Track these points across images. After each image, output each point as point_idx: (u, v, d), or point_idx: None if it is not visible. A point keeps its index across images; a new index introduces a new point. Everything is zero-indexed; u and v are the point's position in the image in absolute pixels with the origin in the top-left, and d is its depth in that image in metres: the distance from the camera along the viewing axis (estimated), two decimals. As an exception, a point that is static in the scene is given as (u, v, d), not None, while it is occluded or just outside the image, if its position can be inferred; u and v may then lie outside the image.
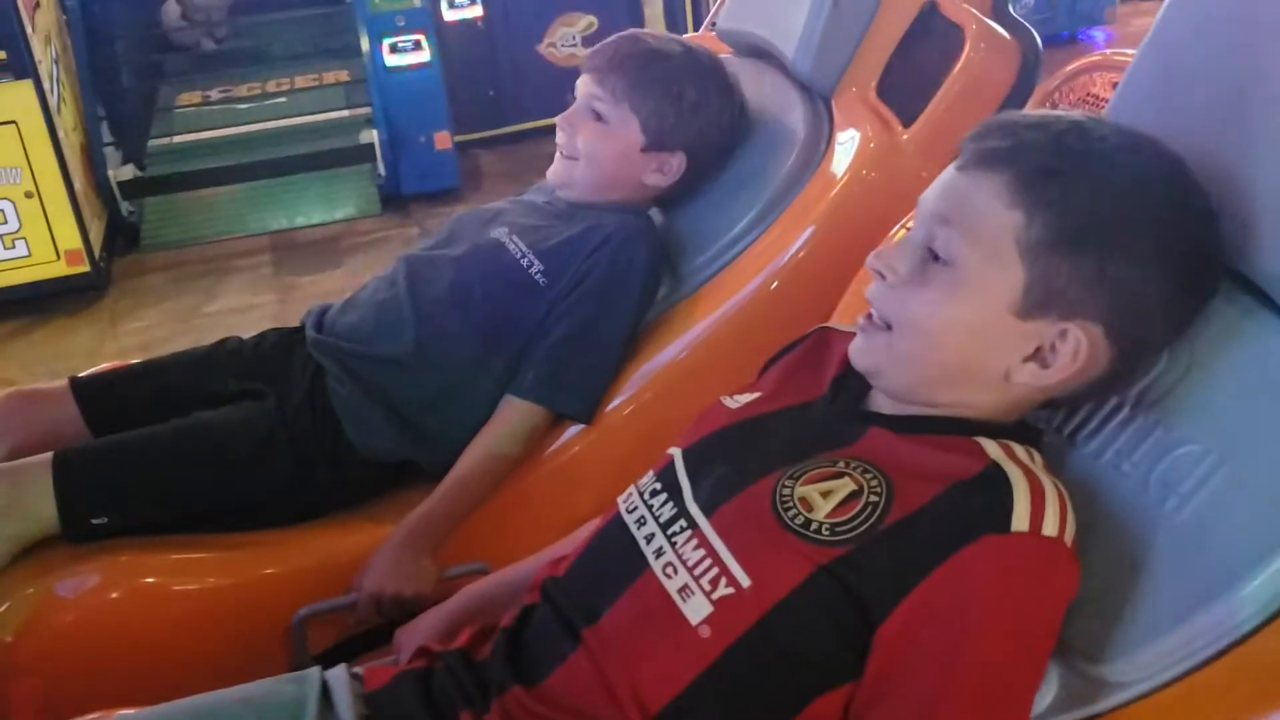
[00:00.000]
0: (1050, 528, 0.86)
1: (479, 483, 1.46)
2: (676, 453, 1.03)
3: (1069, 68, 1.53)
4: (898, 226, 1.28)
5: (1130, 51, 1.09)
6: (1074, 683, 0.90)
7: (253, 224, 4.13)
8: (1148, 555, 0.90)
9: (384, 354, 1.52)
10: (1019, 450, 0.92)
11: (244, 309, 3.52)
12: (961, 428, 0.94)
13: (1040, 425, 1.00)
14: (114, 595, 1.39)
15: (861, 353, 0.97)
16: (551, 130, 1.67)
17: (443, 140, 4.10)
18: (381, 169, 4.07)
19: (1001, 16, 1.58)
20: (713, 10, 2.03)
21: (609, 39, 1.67)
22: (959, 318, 0.92)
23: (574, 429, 1.52)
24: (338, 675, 1.02)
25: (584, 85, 1.64)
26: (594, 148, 1.62)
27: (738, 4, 1.85)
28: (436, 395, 1.51)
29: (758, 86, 1.73)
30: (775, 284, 1.56)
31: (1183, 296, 0.91)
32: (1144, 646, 0.88)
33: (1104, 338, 0.90)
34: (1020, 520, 0.85)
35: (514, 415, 1.49)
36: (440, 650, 1.03)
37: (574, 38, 4.63)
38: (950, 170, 0.95)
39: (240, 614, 1.43)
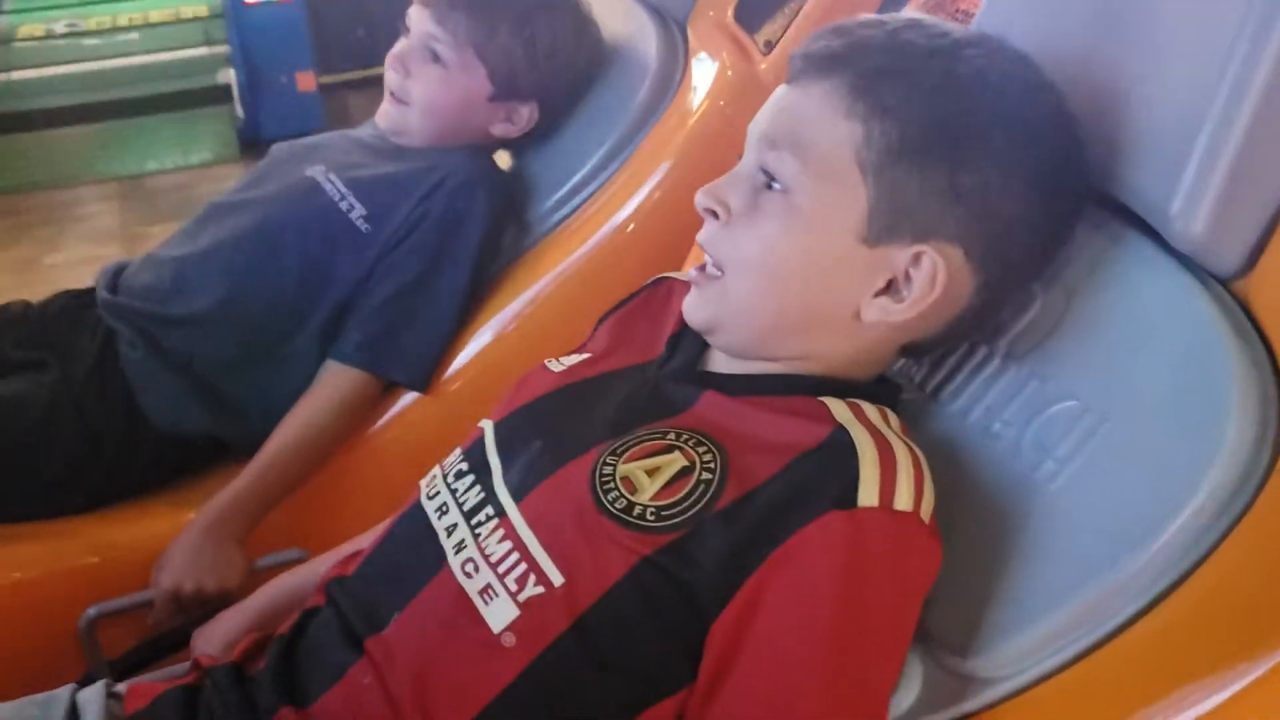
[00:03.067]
0: (904, 501, 0.74)
1: (296, 460, 1.30)
2: (488, 426, 0.89)
3: (937, -18, 1.41)
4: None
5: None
6: (939, 679, 0.79)
7: (100, 168, 3.89)
8: (1020, 530, 0.79)
9: (183, 314, 1.35)
10: (870, 411, 0.80)
11: (88, 261, 3.23)
12: (806, 385, 0.82)
13: (901, 381, 0.88)
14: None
15: (695, 308, 0.85)
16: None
17: (306, 81, 3.88)
18: (240, 111, 3.85)
19: (867, -67, 1.47)
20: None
21: None
22: (799, 250, 0.80)
23: (406, 398, 1.38)
24: (91, 696, 0.88)
25: (419, 20, 1.45)
26: (432, 95, 1.44)
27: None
28: (244, 359, 1.35)
29: (608, 11, 1.58)
30: (631, 228, 1.44)
31: (1048, 207, 0.80)
32: (1016, 636, 0.76)
33: (964, 260, 0.79)
34: (868, 493, 0.73)
35: (336, 383, 1.33)
36: (210, 664, 0.89)
37: (449, -24, 4.42)
38: (780, 87, 0.83)
39: (25, 615, 1.27)
